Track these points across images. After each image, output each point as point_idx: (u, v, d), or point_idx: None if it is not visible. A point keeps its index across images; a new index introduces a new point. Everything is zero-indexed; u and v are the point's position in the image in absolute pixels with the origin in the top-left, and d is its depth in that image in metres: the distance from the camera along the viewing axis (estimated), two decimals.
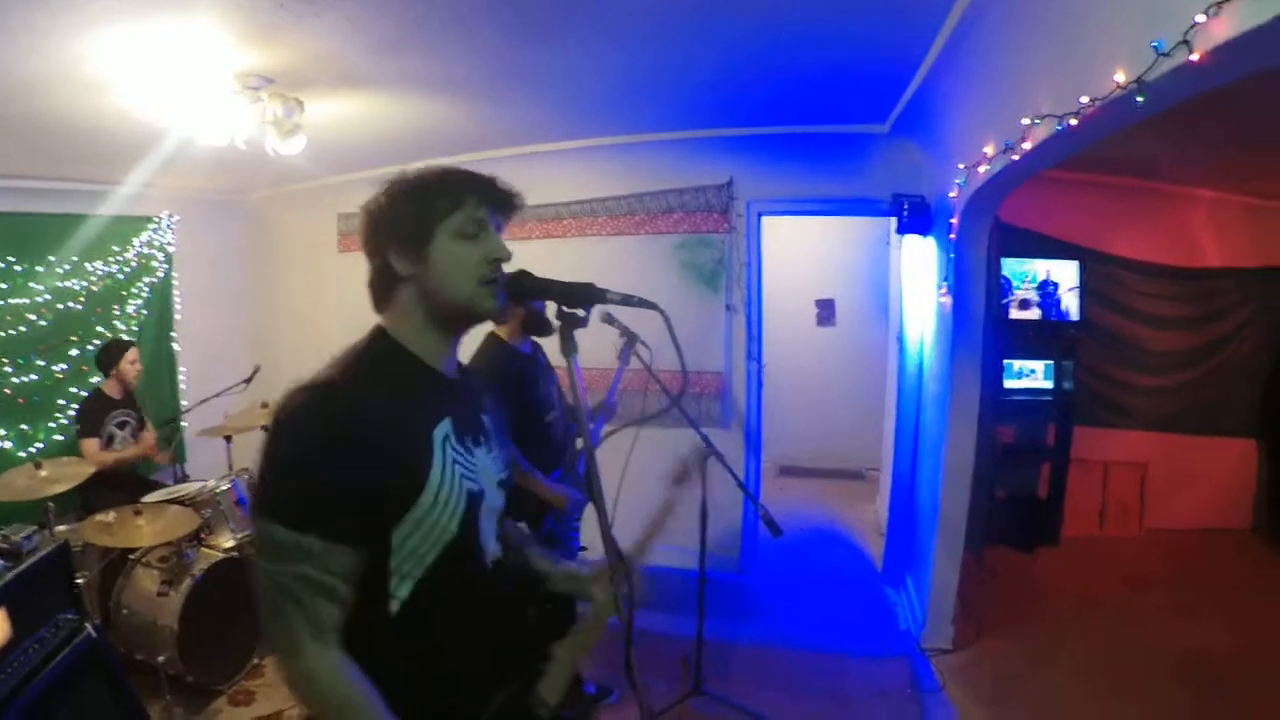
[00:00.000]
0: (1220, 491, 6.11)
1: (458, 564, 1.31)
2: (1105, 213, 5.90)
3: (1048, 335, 5.65)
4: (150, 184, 5.61)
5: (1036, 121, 2.48)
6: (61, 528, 3.55)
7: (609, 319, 3.76)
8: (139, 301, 5.83)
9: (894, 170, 4.80)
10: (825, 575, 5.41)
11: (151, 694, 3.37)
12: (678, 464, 2.29)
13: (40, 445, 4.93)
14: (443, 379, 1.40)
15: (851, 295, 7.61)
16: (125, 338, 5.51)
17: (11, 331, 4.93)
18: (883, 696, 3.81)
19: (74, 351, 5.29)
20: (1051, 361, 5.62)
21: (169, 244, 6.10)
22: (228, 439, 4.63)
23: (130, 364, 4.66)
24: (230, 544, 4.03)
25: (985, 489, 5.12)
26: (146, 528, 3.54)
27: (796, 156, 5.09)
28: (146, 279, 5.90)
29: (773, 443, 7.02)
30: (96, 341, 5.32)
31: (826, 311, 7.76)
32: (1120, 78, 1.88)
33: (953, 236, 3.83)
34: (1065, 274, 5.65)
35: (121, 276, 5.67)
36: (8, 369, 4.92)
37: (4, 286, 4.91)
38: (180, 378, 6.24)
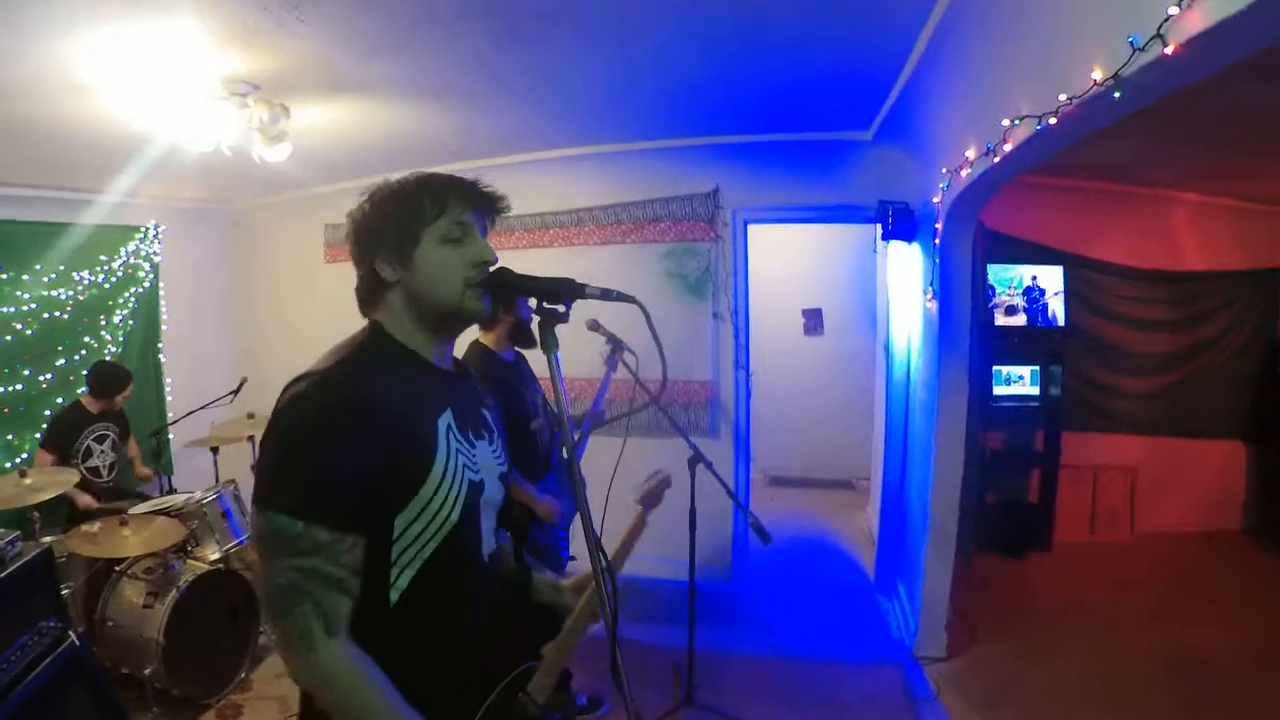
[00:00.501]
0: (1209, 493, 6.14)
1: (456, 555, 1.32)
2: (1089, 217, 5.96)
3: (1034, 341, 5.68)
4: (137, 193, 5.61)
5: (1016, 122, 2.50)
6: (47, 538, 3.52)
7: (595, 326, 3.77)
8: (125, 312, 5.80)
9: (879, 177, 4.83)
10: (817, 584, 5.40)
11: (138, 708, 3.35)
12: (650, 483, 2.28)
13: (26, 456, 4.87)
14: (440, 373, 1.41)
15: (839, 304, 7.62)
16: (110, 349, 5.51)
17: None
18: (877, 705, 3.79)
19: (60, 361, 5.27)
20: (1038, 367, 5.66)
21: (155, 254, 6.08)
22: (214, 450, 4.62)
23: (123, 397, 4.70)
24: (216, 556, 4.01)
25: (975, 495, 5.13)
26: (132, 538, 3.52)
27: (782, 164, 5.12)
28: (133, 289, 5.88)
29: (762, 453, 7.03)
30: (83, 352, 5.32)
31: (814, 321, 7.76)
32: (1098, 75, 1.90)
33: (937, 242, 3.86)
34: (1050, 279, 5.68)
35: (108, 286, 5.65)
36: None
37: None
38: (166, 389, 6.20)
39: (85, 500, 4.32)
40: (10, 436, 4.95)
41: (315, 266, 6.51)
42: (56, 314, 5.26)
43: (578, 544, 3.85)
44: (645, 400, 1.84)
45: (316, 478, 1.16)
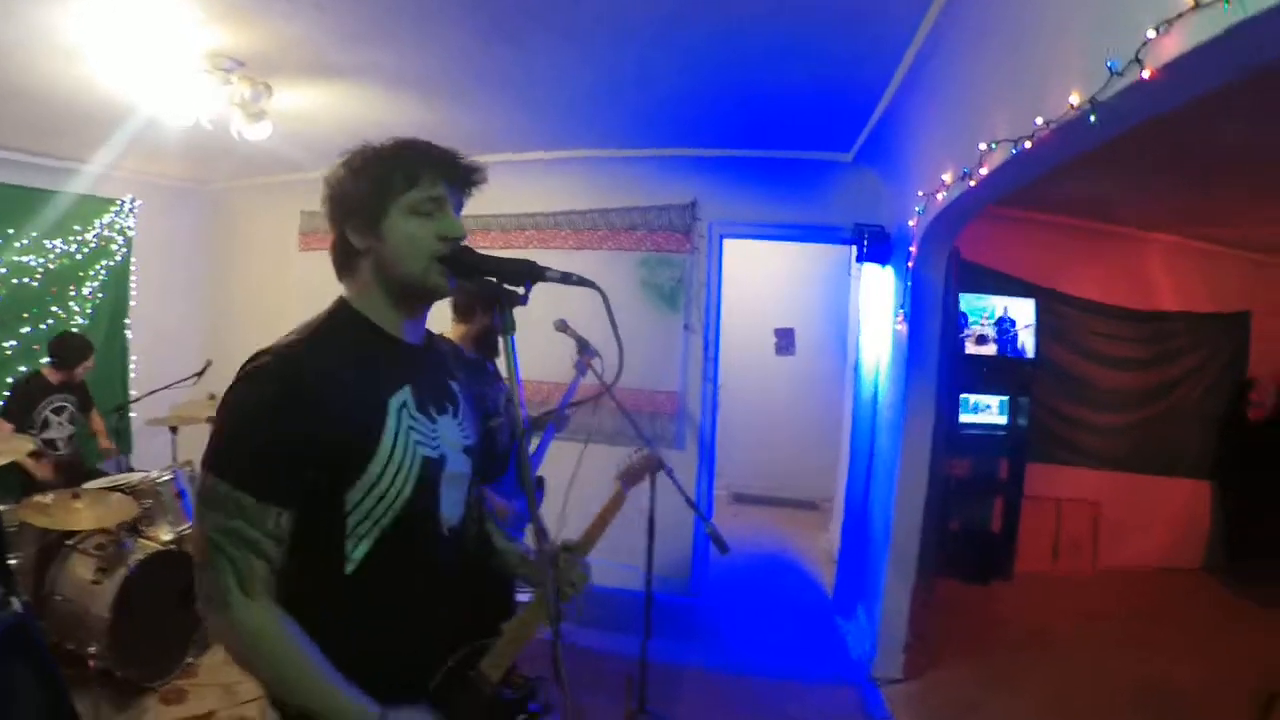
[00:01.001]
0: (1172, 531, 6.22)
1: (413, 528, 1.32)
2: (1063, 253, 6.05)
3: (1004, 371, 5.75)
4: (115, 165, 5.57)
5: (993, 146, 2.54)
6: None
7: (563, 326, 3.77)
8: (95, 284, 5.75)
9: (856, 199, 4.89)
10: (776, 602, 5.40)
11: (80, 687, 3.25)
12: (631, 461, 2.28)
13: None
14: (404, 347, 1.41)
15: (811, 325, 7.68)
16: (79, 322, 5.43)
17: None
18: None
19: (25, 329, 5.22)
20: (1007, 397, 5.73)
21: (129, 228, 6.03)
22: (173, 430, 4.54)
23: (84, 368, 4.65)
24: (169, 537, 3.95)
25: (938, 520, 5.17)
26: (85, 512, 3.46)
27: (761, 181, 5.17)
28: (104, 262, 5.82)
29: (727, 470, 7.03)
30: (50, 321, 5.27)
31: (785, 341, 7.80)
32: (1075, 99, 1.93)
33: (910, 265, 3.90)
34: (1022, 311, 5.76)
35: (79, 257, 5.60)
36: None
37: None
38: (131, 365, 6.14)
39: (42, 471, 4.26)
40: None
41: (289, 253, 6.45)
42: (26, 280, 5.22)
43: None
44: (601, 392, 1.85)
45: (254, 450, 1.19)
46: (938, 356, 3.97)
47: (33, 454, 4.04)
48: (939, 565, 5.31)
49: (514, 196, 5.50)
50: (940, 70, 3.09)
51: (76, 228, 5.56)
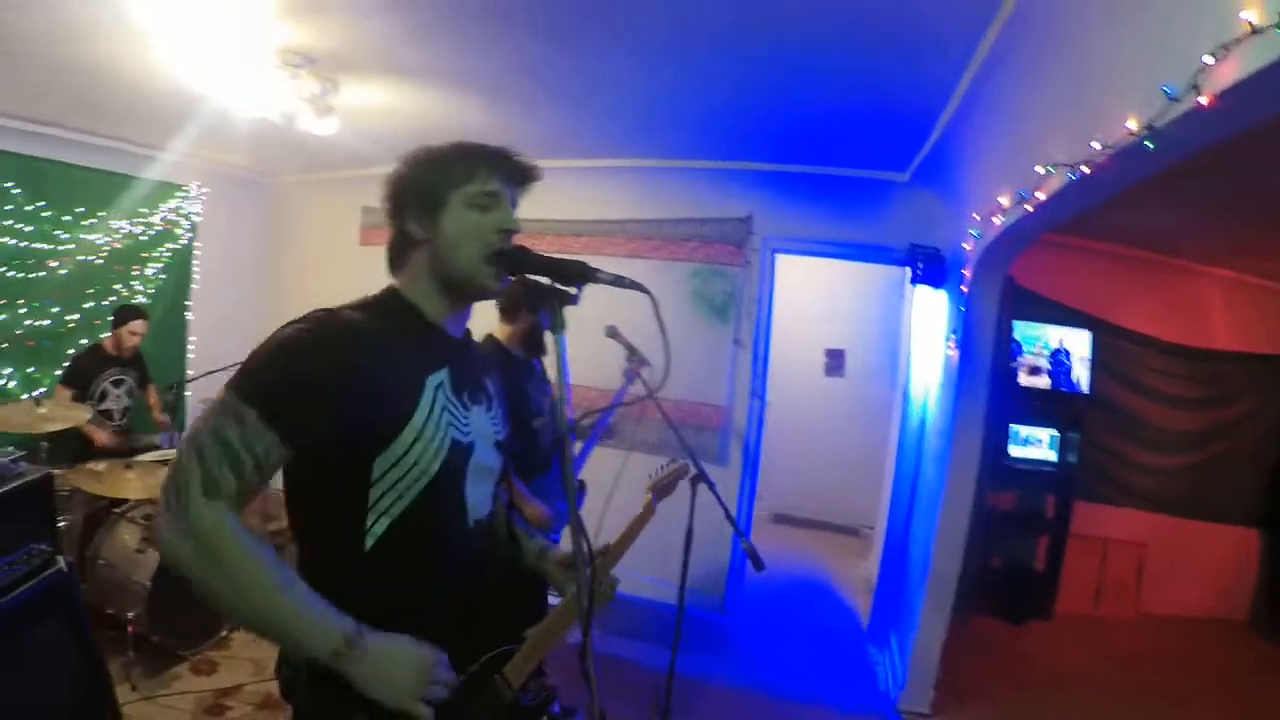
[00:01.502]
0: (1219, 580, 6.00)
1: (435, 512, 1.33)
2: (1121, 284, 5.90)
3: (1055, 404, 5.61)
4: (183, 152, 5.75)
5: (1050, 170, 2.49)
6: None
7: (613, 333, 3.77)
8: (159, 265, 5.95)
9: (911, 220, 4.83)
10: (809, 626, 5.33)
11: (115, 649, 3.37)
12: (663, 472, 2.27)
13: (43, 390, 4.97)
14: (446, 336, 1.44)
15: (862, 347, 7.58)
16: (141, 300, 5.62)
17: (31, 275, 5.04)
18: None
19: (89, 305, 5.41)
20: (1057, 432, 5.58)
21: (195, 214, 6.23)
22: None
23: (130, 333, 4.74)
24: None
25: (979, 555, 5.05)
26: (135, 482, 3.58)
27: (816, 197, 5.13)
28: (169, 245, 6.02)
29: (769, 489, 6.96)
30: (112, 298, 5.45)
31: (836, 362, 7.72)
32: (1132, 124, 1.89)
33: (964, 289, 3.84)
34: (1078, 343, 5.62)
35: (145, 239, 5.79)
36: (23, 310, 5.01)
37: (30, 229, 5.01)
38: (189, 346, 6.33)
39: (102, 437, 4.42)
40: (31, 369, 5.08)
41: (349, 247, 6.61)
42: (91, 258, 5.40)
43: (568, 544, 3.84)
44: (644, 395, 1.85)
45: (278, 377, 1.22)
46: (988, 385, 3.90)
47: (90, 422, 4.18)
48: (976, 601, 5.19)
49: (571, 202, 5.55)
50: (997, 93, 3.05)
51: (143, 210, 5.75)
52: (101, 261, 5.47)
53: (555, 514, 3.17)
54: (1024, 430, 5.59)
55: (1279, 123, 1.66)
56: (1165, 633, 5.63)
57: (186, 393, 5.56)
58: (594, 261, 1.37)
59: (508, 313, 3.07)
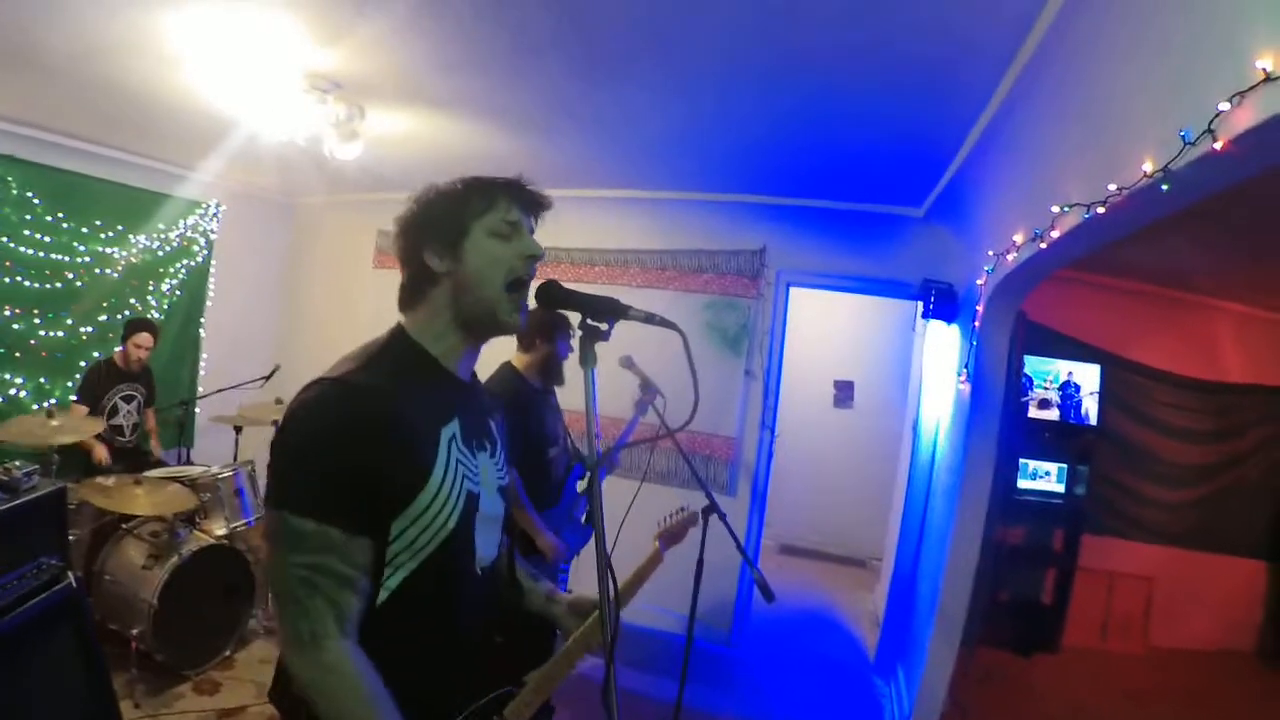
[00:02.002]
0: (1228, 613, 5.95)
1: (447, 563, 1.32)
2: (1131, 318, 5.90)
3: (1065, 437, 5.59)
4: (204, 171, 5.83)
5: (1065, 210, 2.50)
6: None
7: (629, 364, 3.77)
8: (174, 282, 6.00)
9: (926, 255, 4.85)
10: (816, 658, 5.30)
11: (118, 666, 3.36)
12: (673, 520, 2.26)
13: (54, 401, 5.01)
14: (456, 381, 1.43)
15: (871, 379, 7.59)
16: (155, 316, 5.66)
17: (48, 286, 5.08)
18: None
19: (103, 318, 5.45)
20: (1066, 465, 5.56)
21: (212, 231, 6.29)
22: (237, 430, 4.69)
23: (136, 346, 4.73)
24: (222, 531, 4.05)
25: (987, 587, 5.01)
26: (144, 498, 3.58)
27: (831, 231, 5.16)
28: (185, 261, 6.07)
29: (777, 520, 6.95)
30: (127, 312, 5.49)
31: (845, 393, 7.71)
32: (1148, 167, 1.90)
33: (976, 324, 3.84)
34: (1087, 377, 5.61)
35: (161, 254, 5.85)
36: (38, 320, 5.05)
37: (49, 240, 5.06)
38: (201, 364, 6.35)
39: (100, 453, 4.40)
40: (43, 379, 5.12)
41: (363, 270, 6.66)
42: (108, 271, 5.45)
43: (576, 583, 3.81)
44: (664, 432, 1.85)
45: (328, 480, 1.19)
46: (999, 420, 3.89)
47: (97, 436, 4.19)
48: (983, 634, 5.15)
49: (587, 231, 5.61)
50: (1015, 132, 3.07)
51: (161, 226, 5.80)
52: (118, 275, 5.51)
53: (564, 546, 3.17)
54: (1032, 464, 5.57)
55: None
56: (1173, 666, 5.59)
57: (196, 409, 5.59)
58: (609, 291, 1.38)
59: (524, 341, 3.09)
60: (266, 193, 6.88)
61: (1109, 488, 5.88)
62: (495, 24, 2.84)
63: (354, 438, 1.20)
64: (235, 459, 4.55)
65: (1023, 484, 5.55)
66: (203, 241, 6.21)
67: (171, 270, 5.95)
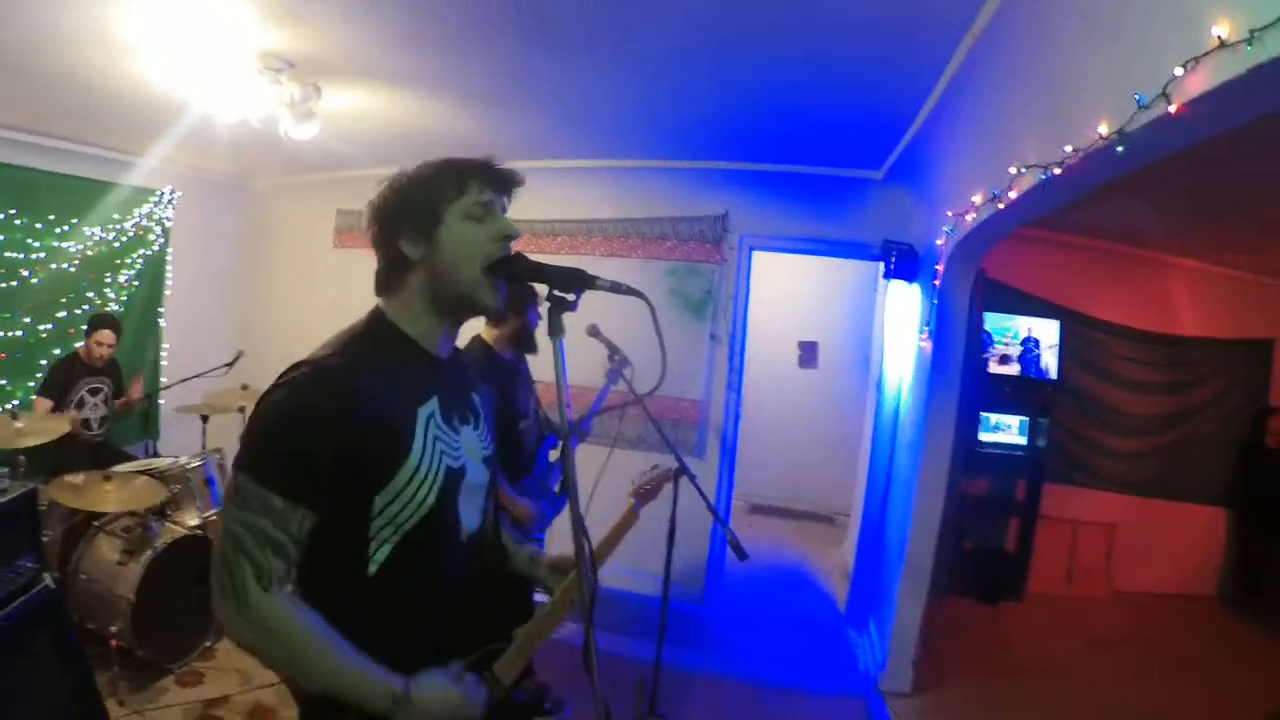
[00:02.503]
0: (1188, 558, 6.18)
1: (433, 534, 1.36)
2: (1089, 275, 6.04)
3: (1025, 391, 5.73)
4: (157, 157, 5.66)
5: (1023, 171, 2.56)
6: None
7: (594, 332, 3.77)
8: (131, 272, 5.85)
9: (885, 216, 4.91)
10: (788, 613, 5.42)
11: (100, 665, 3.31)
12: (646, 477, 2.30)
13: (16, 403, 4.91)
14: (435, 360, 1.44)
15: (835, 340, 7.70)
16: (114, 308, 5.53)
17: (2, 285, 4.94)
18: None
19: (61, 314, 5.32)
20: (1027, 418, 5.71)
21: (168, 219, 6.14)
22: (204, 419, 4.62)
23: (98, 343, 4.65)
24: (195, 522, 4.02)
25: (953, 538, 5.16)
26: (113, 494, 3.53)
27: (792, 195, 5.19)
28: (141, 251, 5.93)
29: (746, 480, 7.03)
30: (85, 306, 5.36)
31: (809, 354, 7.81)
32: (1103, 129, 1.96)
33: (937, 283, 3.92)
34: (1046, 332, 5.75)
35: (118, 245, 5.70)
36: None
37: (2, 238, 4.93)
38: (163, 353, 6.23)
39: (74, 422, 4.33)
40: (4, 382, 4.99)
41: (323, 250, 6.52)
42: (64, 265, 5.31)
43: (552, 550, 3.85)
44: (633, 399, 1.87)
45: (288, 454, 1.23)
46: (960, 375, 3.98)
47: (69, 434, 4.12)
48: (950, 583, 5.31)
49: (549, 202, 5.56)
50: (973, 95, 3.11)
51: (115, 216, 5.65)
52: (74, 269, 5.38)
53: (539, 513, 3.21)
54: (994, 417, 5.71)
55: (1243, 126, 1.73)
56: (1136, 611, 5.79)
57: (160, 400, 5.49)
58: (571, 261, 1.38)
59: (494, 317, 3.09)
60: (222, 177, 6.71)
61: (1069, 439, 6.06)
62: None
63: (320, 418, 1.22)
64: (203, 448, 4.49)
65: (985, 437, 5.69)
66: (159, 230, 6.05)
67: (128, 261, 5.81)
